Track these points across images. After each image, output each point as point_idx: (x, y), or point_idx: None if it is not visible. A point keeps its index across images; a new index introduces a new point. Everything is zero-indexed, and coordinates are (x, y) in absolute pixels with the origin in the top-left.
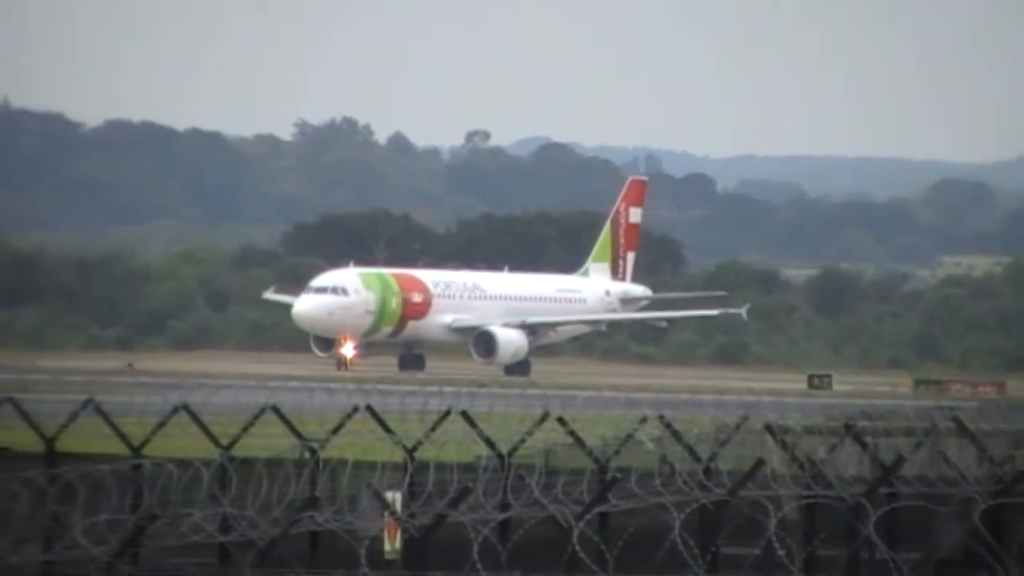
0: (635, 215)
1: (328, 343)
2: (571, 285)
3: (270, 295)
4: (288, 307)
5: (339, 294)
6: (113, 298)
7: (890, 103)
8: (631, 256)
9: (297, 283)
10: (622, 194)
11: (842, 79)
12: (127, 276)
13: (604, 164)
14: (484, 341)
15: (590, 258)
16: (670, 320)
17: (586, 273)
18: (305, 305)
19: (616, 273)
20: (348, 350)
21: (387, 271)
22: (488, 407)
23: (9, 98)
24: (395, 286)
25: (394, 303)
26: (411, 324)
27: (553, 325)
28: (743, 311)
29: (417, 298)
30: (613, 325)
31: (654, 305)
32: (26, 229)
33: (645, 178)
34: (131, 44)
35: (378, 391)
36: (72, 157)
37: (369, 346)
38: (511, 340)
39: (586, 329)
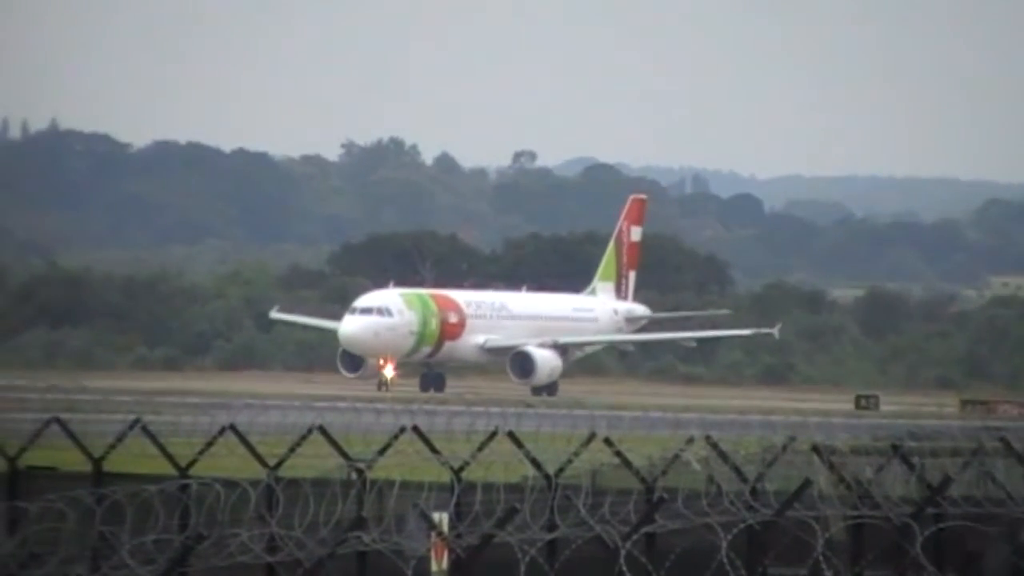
0: (636, 234)
1: (356, 363)
2: (585, 304)
3: (276, 315)
4: (298, 327)
5: (384, 315)
6: (160, 318)
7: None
8: (632, 275)
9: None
10: (624, 212)
11: (890, 99)
12: (174, 296)
13: (650, 184)
14: (521, 361)
15: (596, 277)
16: (700, 340)
17: (593, 292)
18: (352, 326)
19: (619, 292)
20: (389, 371)
21: (424, 291)
22: (535, 427)
23: (57, 119)
24: (434, 306)
25: (433, 323)
26: (447, 344)
27: (583, 345)
28: (775, 331)
29: (453, 318)
30: (637, 344)
31: (657, 325)
32: (74, 249)
33: (644, 196)
34: (178, 65)
35: (424, 411)
36: (120, 178)
37: (399, 366)
38: (547, 360)
39: (598, 348)
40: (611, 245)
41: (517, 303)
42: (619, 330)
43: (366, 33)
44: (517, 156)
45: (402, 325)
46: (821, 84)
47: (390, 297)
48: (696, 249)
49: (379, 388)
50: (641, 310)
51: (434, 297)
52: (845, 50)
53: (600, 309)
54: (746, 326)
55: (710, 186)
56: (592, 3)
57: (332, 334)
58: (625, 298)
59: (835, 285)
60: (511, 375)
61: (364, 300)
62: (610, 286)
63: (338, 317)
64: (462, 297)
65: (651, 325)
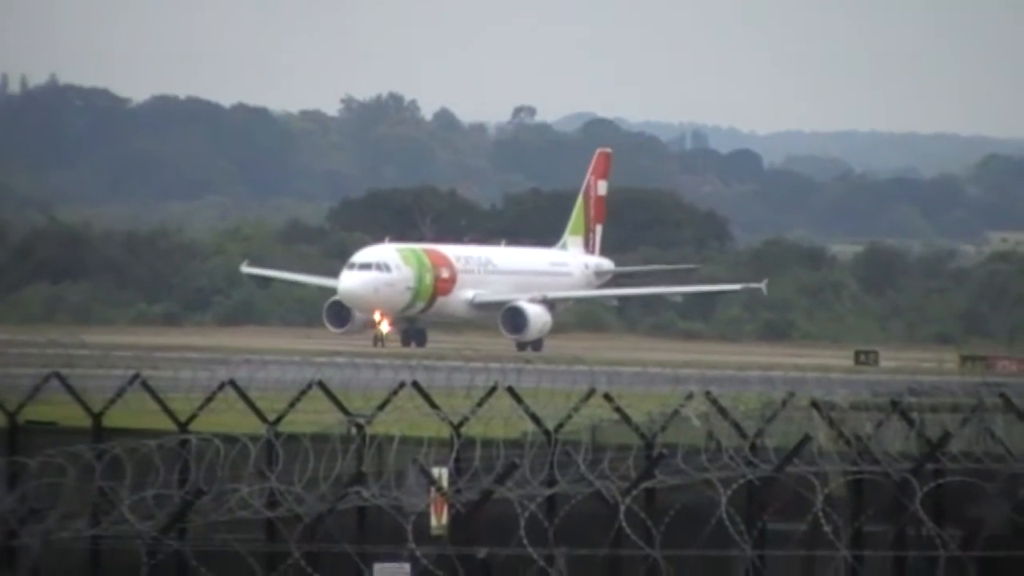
0: (602, 188)
1: (343, 318)
2: (559, 259)
3: (246, 269)
4: (266, 280)
5: (383, 270)
6: (160, 274)
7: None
8: (599, 229)
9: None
10: (591, 166)
11: (889, 54)
12: (174, 252)
13: (650, 140)
14: (513, 317)
15: (567, 231)
16: (694, 295)
17: (564, 246)
18: (352, 282)
19: (587, 246)
20: (384, 326)
21: (418, 246)
22: (535, 383)
23: (57, 74)
24: (428, 262)
25: (428, 279)
26: (439, 300)
27: (570, 299)
28: (763, 286)
29: (445, 274)
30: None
31: (630, 280)
32: (74, 204)
33: (609, 150)
34: (176, 20)
35: (424, 367)
36: (119, 133)
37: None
38: (539, 316)
39: (570, 303)
40: (579, 199)
41: (501, 258)
42: (589, 284)
43: None
44: (517, 111)
45: (400, 281)
46: (820, 39)
47: (388, 252)
48: (695, 205)
49: (375, 344)
50: (607, 264)
51: (427, 252)
52: (844, 4)
53: (573, 263)
54: (746, 282)
55: (709, 141)
56: None
57: (309, 288)
58: (592, 252)
59: (834, 241)
60: (503, 330)
61: (362, 255)
62: (579, 240)
63: (336, 273)
64: (452, 252)
65: (627, 279)
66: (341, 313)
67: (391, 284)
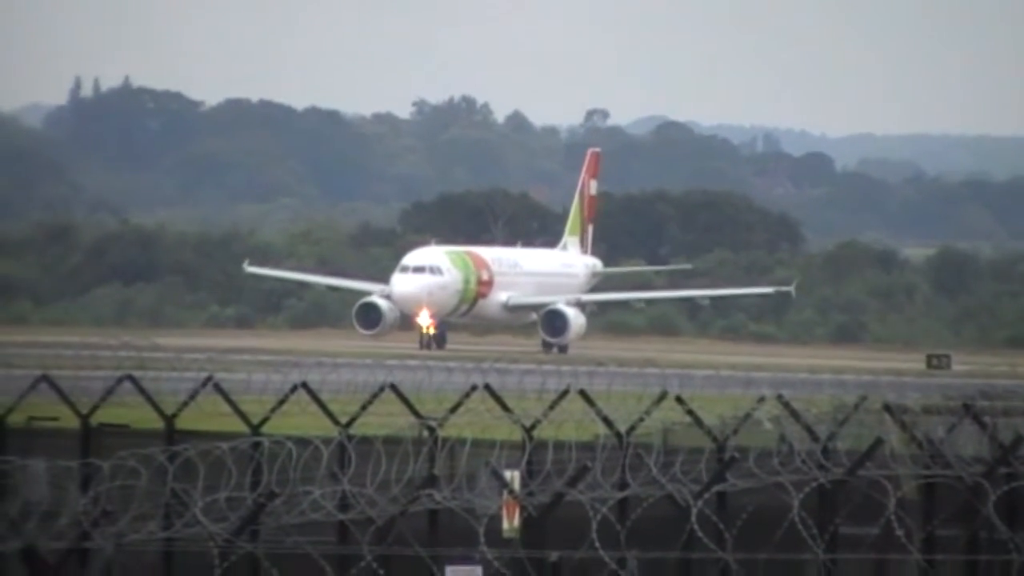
0: (593, 187)
1: (374, 320)
2: (568, 260)
3: (250, 269)
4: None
5: (436, 273)
6: (232, 276)
7: (1011, 81)
8: (591, 229)
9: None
10: (584, 166)
11: (961, 57)
12: (246, 254)
13: (722, 143)
14: (552, 319)
15: (566, 232)
16: (712, 297)
17: (565, 247)
18: (408, 286)
19: (583, 246)
20: (431, 329)
21: (461, 249)
22: (607, 386)
23: (130, 77)
24: (471, 264)
25: (472, 281)
26: (479, 302)
27: (601, 302)
28: (792, 288)
29: (485, 276)
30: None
31: (617, 281)
32: (146, 207)
33: (599, 150)
34: (250, 23)
35: (496, 370)
36: (192, 136)
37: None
38: (577, 318)
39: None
40: (575, 199)
41: (526, 260)
42: (589, 285)
43: None
44: (589, 114)
45: (451, 283)
46: (892, 42)
47: (438, 255)
48: (767, 207)
49: (425, 346)
50: (600, 265)
51: (469, 254)
52: (916, 7)
53: (579, 265)
54: (820, 285)
55: (781, 144)
56: None
57: (314, 288)
58: (586, 252)
59: (906, 244)
60: (542, 333)
61: (413, 258)
62: (577, 241)
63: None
64: (488, 255)
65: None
66: (370, 315)
67: (444, 287)
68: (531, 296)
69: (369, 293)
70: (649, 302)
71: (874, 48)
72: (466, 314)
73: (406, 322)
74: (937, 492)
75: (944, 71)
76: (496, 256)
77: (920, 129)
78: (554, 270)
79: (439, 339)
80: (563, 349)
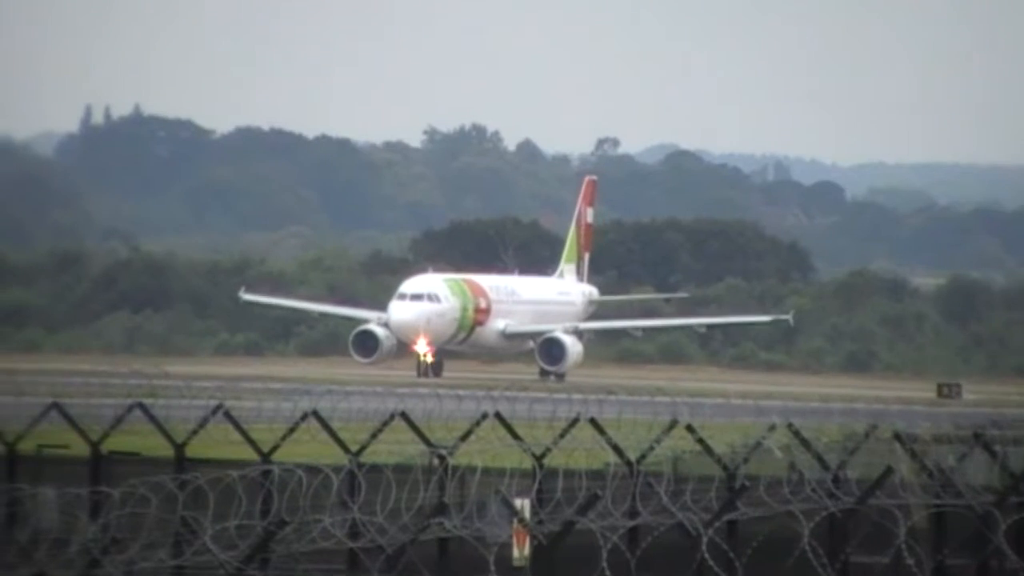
0: (590, 215)
1: (370, 348)
2: (564, 288)
3: (245, 296)
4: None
5: (434, 301)
6: (242, 304)
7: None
8: (587, 256)
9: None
10: (580, 194)
11: (971, 86)
12: (257, 282)
13: (733, 172)
14: (550, 347)
15: (562, 259)
16: (708, 325)
17: (561, 275)
18: (406, 313)
19: (579, 274)
20: (428, 357)
21: (458, 276)
22: (617, 414)
23: (141, 105)
24: (469, 292)
25: (470, 309)
26: (476, 330)
27: (599, 330)
28: (790, 317)
29: (483, 304)
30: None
31: (612, 310)
32: (157, 235)
33: (595, 178)
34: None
35: (506, 398)
36: (202, 163)
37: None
38: (575, 346)
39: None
40: (572, 227)
41: (522, 288)
42: (586, 313)
43: (448, 19)
44: (600, 143)
45: (449, 311)
46: (902, 71)
47: (436, 283)
48: (778, 236)
49: (422, 374)
50: (596, 293)
51: (467, 282)
52: (927, 38)
53: (575, 292)
54: (831, 313)
55: (792, 173)
56: None
57: (326, 316)
58: (582, 280)
59: (917, 273)
60: (540, 361)
61: (411, 286)
62: (573, 268)
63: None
64: (486, 282)
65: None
66: (367, 343)
67: (441, 315)
68: (528, 324)
69: (366, 321)
70: (647, 330)
71: (885, 78)
72: (463, 342)
73: (403, 350)
74: (947, 521)
75: (955, 101)
76: (493, 284)
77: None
78: (551, 298)
79: (436, 367)
80: (560, 377)
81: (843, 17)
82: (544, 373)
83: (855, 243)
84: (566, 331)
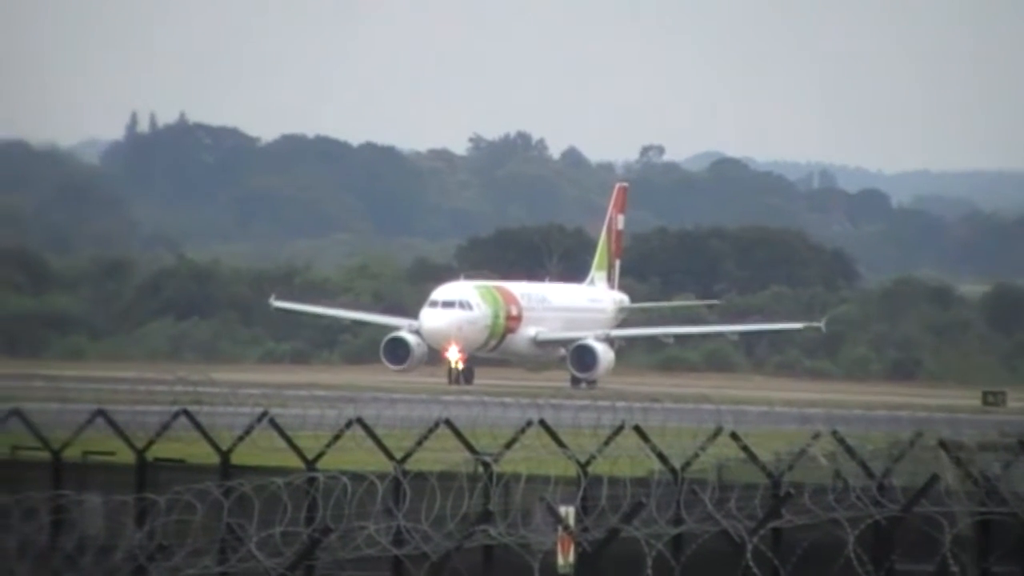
0: (620, 222)
1: (402, 355)
2: (596, 295)
3: (276, 303)
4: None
5: (465, 308)
6: (288, 311)
7: None
8: (617, 264)
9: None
10: (612, 201)
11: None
12: (303, 289)
13: (778, 180)
14: (582, 355)
15: (593, 267)
16: (741, 333)
17: (592, 282)
18: (438, 320)
19: (610, 281)
20: (460, 364)
21: (490, 284)
22: (661, 422)
23: (186, 113)
24: (500, 299)
25: (501, 316)
26: (508, 337)
27: (630, 338)
28: (822, 324)
29: (514, 311)
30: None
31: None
32: (203, 242)
33: (626, 185)
34: (306, 59)
35: (551, 406)
36: (248, 171)
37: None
38: (606, 354)
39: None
40: (603, 234)
41: (554, 295)
42: (616, 320)
43: (494, 28)
44: (645, 150)
45: (481, 319)
46: (949, 79)
47: (468, 290)
48: (823, 244)
49: (453, 381)
50: (627, 300)
51: (498, 289)
52: (971, 45)
53: (606, 300)
54: (876, 320)
55: (837, 181)
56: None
57: (371, 324)
58: (612, 287)
59: (962, 281)
60: (571, 368)
61: (443, 293)
62: (604, 275)
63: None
64: (517, 290)
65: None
66: (398, 350)
67: (473, 322)
68: (559, 331)
69: (397, 328)
70: (681, 337)
71: (930, 85)
72: (495, 349)
73: (434, 357)
74: (993, 529)
75: (999, 108)
76: (525, 291)
77: (976, 166)
78: (582, 305)
79: (467, 374)
80: (592, 384)
81: (889, 25)
82: (576, 380)
83: (900, 251)
84: (597, 338)
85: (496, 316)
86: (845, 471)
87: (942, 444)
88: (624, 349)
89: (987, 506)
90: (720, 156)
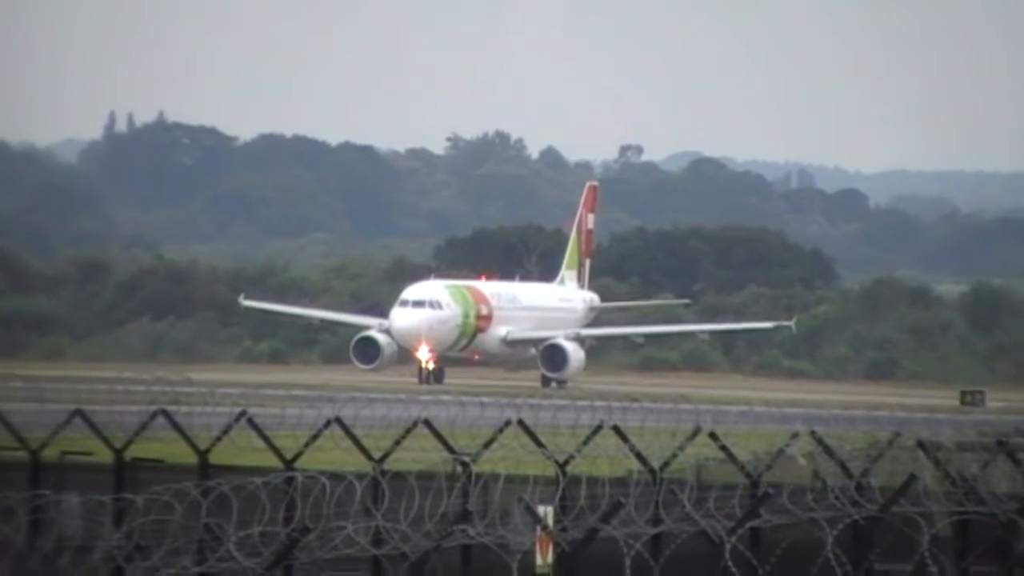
0: (591, 221)
1: (371, 354)
2: (566, 294)
3: (245, 302)
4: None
5: (435, 308)
6: (266, 311)
7: None
8: (588, 263)
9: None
10: (582, 200)
11: (994, 94)
12: (280, 289)
13: (756, 179)
14: (552, 354)
15: (563, 266)
16: (712, 332)
17: (563, 281)
18: (408, 320)
19: (580, 280)
20: (431, 364)
21: (460, 283)
22: (640, 422)
23: (164, 112)
24: (471, 298)
25: (472, 316)
26: (478, 337)
27: (601, 337)
28: (792, 323)
29: (484, 310)
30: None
31: (614, 316)
32: (180, 242)
33: (596, 184)
34: (283, 58)
35: (529, 405)
36: (226, 171)
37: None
38: (576, 352)
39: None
40: (573, 233)
41: (524, 294)
42: (587, 319)
43: (471, 26)
44: (623, 150)
45: (451, 318)
46: (927, 78)
47: (438, 290)
48: (801, 244)
49: (423, 381)
50: (597, 300)
51: (469, 289)
52: (950, 45)
53: (576, 299)
54: (854, 320)
55: (815, 181)
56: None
57: (348, 324)
58: (582, 286)
59: (940, 281)
60: (542, 368)
61: (413, 292)
62: (574, 275)
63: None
64: (488, 289)
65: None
66: (368, 349)
67: (444, 321)
68: (530, 331)
69: (367, 327)
70: (649, 336)
71: (908, 85)
72: (465, 348)
73: (404, 357)
74: (971, 529)
75: (977, 108)
76: (495, 290)
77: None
78: (552, 304)
79: (437, 374)
80: (562, 384)
81: (866, 25)
82: (546, 380)
83: (878, 251)
84: (568, 337)
85: (466, 315)
86: (824, 471)
87: (920, 444)
88: (599, 349)
89: (965, 506)
90: (698, 156)
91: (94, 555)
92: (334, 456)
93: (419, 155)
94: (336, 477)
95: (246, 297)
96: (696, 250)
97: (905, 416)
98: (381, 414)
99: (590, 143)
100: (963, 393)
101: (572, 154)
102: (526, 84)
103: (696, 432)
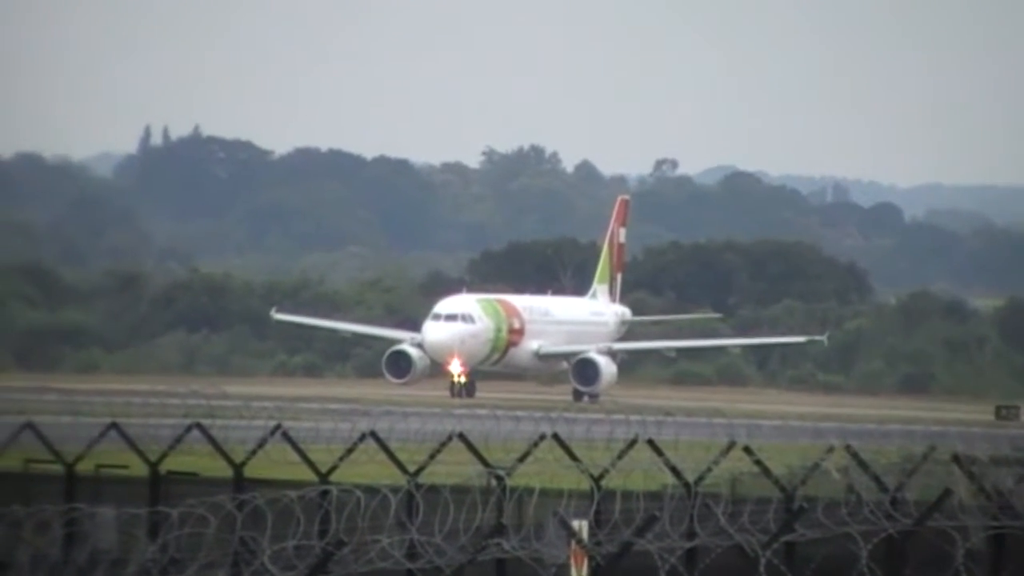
0: (622, 235)
1: (403, 368)
2: (598, 308)
3: (277, 316)
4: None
5: (468, 321)
6: (301, 325)
7: None
8: (619, 277)
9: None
10: (614, 214)
11: None
12: (314, 303)
13: (791, 193)
14: (583, 368)
15: (595, 280)
16: (744, 346)
17: (595, 295)
18: (440, 334)
19: (612, 294)
20: (462, 378)
21: (492, 297)
22: (674, 435)
23: (200, 126)
24: (502, 312)
25: (504, 329)
26: (510, 351)
27: (633, 351)
28: (824, 338)
29: (516, 324)
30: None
31: (640, 329)
32: (215, 256)
33: (628, 197)
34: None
35: (564, 419)
36: (261, 184)
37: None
38: (609, 367)
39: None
40: (604, 248)
41: (556, 308)
42: (618, 333)
43: (508, 42)
44: (658, 164)
45: (483, 332)
46: (962, 93)
47: (470, 303)
48: (836, 258)
49: (455, 395)
50: (629, 313)
51: (500, 303)
52: (985, 60)
53: (608, 313)
54: (889, 334)
55: (851, 195)
56: (733, 14)
57: (340, 335)
58: (614, 300)
59: (975, 295)
60: (574, 382)
61: (445, 306)
62: (606, 288)
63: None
64: (519, 303)
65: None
66: (400, 363)
67: (475, 335)
68: (562, 345)
69: (399, 341)
70: (682, 350)
71: (942, 99)
72: (497, 363)
73: (436, 370)
74: (1006, 543)
75: (1013, 122)
76: (527, 304)
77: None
78: (584, 318)
79: (469, 388)
80: (594, 398)
81: (902, 39)
82: (578, 394)
83: (913, 264)
84: (600, 352)
85: (498, 329)
86: (858, 485)
87: (955, 458)
88: (631, 363)
89: (1000, 520)
90: (733, 170)
91: (128, 568)
92: (369, 470)
93: (454, 169)
94: (371, 491)
95: (278, 311)
96: (731, 264)
97: (940, 430)
98: (415, 428)
99: (625, 157)
100: (998, 408)
101: (607, 168)
102: (561, 98)
103: (731, 446)
